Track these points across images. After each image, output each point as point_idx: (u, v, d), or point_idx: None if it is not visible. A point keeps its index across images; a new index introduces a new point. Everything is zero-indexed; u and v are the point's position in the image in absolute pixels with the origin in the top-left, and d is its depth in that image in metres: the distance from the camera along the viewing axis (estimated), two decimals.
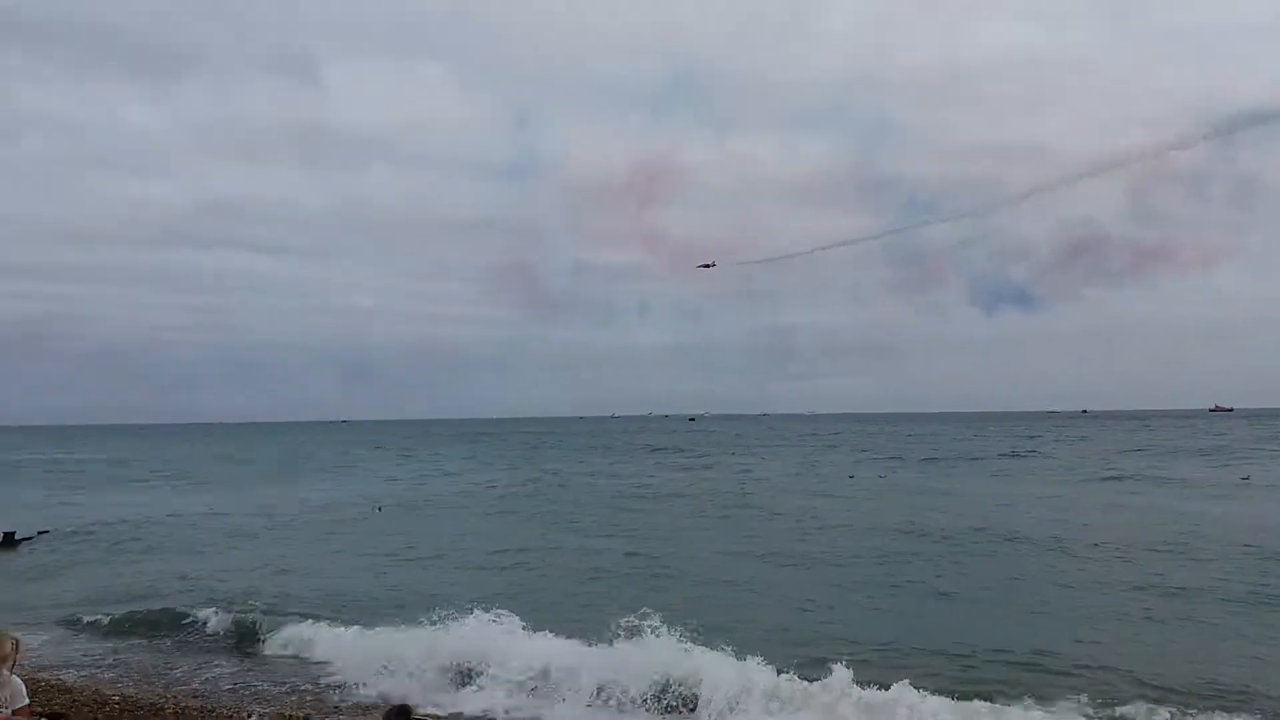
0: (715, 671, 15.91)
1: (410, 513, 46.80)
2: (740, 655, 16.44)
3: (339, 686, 17.11)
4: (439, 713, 15.19)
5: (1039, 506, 42.70)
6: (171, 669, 18.77)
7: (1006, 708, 14.47)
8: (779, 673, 16.00)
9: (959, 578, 25.97)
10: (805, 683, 15.63)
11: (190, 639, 20.98)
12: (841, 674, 15.55)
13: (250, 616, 21.70)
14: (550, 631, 18.55)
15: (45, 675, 17.11)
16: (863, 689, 15.27)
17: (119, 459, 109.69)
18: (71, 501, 56.36)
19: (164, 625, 21.93)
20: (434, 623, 19.42)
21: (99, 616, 23.12)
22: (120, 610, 23.46)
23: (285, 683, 17.53)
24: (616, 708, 15.67)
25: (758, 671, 15.92)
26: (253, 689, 17.14)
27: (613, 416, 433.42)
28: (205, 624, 21.58)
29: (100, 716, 14.72)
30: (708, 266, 73.67)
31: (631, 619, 17.53)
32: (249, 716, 14.87)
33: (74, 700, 15.65)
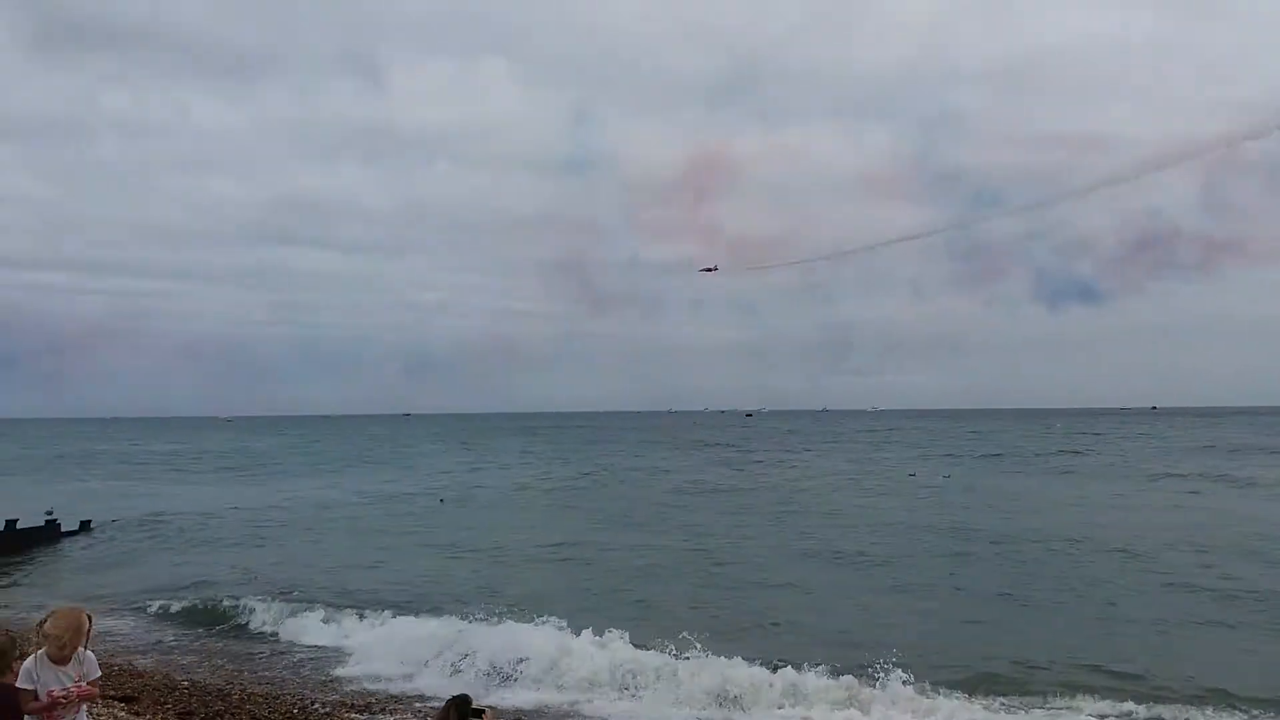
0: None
1: (469, 505, 47.40)
2: (785, 659, 16.57)
3: (394, 678, 17.36)
4: (498, 705, 15.36)
5: (1103, 506, 41.71)
6: (237, 657, 19.25)
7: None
8: (835, 675, 15.91)
9: (1016, 580, 25.41)
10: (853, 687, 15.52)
11: (255, 628, 21.44)
12: (890, 679, 15.40)
13: (313, 608, 22.14)
14: (593, 632, 18.67)
15: (118, 660, 17.65)
16: (923, 696, 15.07)
17: (200, 450, 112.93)
18: (146, 492, 58.12)
19: (230, 614, 22.43)
20: (485, 618, 19.77)
21: (168, 603, 23.81)
22: (186, 599, 24.11)
23: (345, 673, 17.84)
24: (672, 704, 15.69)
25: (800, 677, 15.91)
26: (315, 678, 17.50)
27: (669, 411, 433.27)
28: (269, 614, 22.02)
29: (170, 700, 15.13)
30: (710, 270, 73.22)
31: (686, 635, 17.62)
32: (311, 704, 15.18)
33: (145, 684, 16.14)
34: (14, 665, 7.64)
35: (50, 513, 37.99)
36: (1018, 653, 17.88)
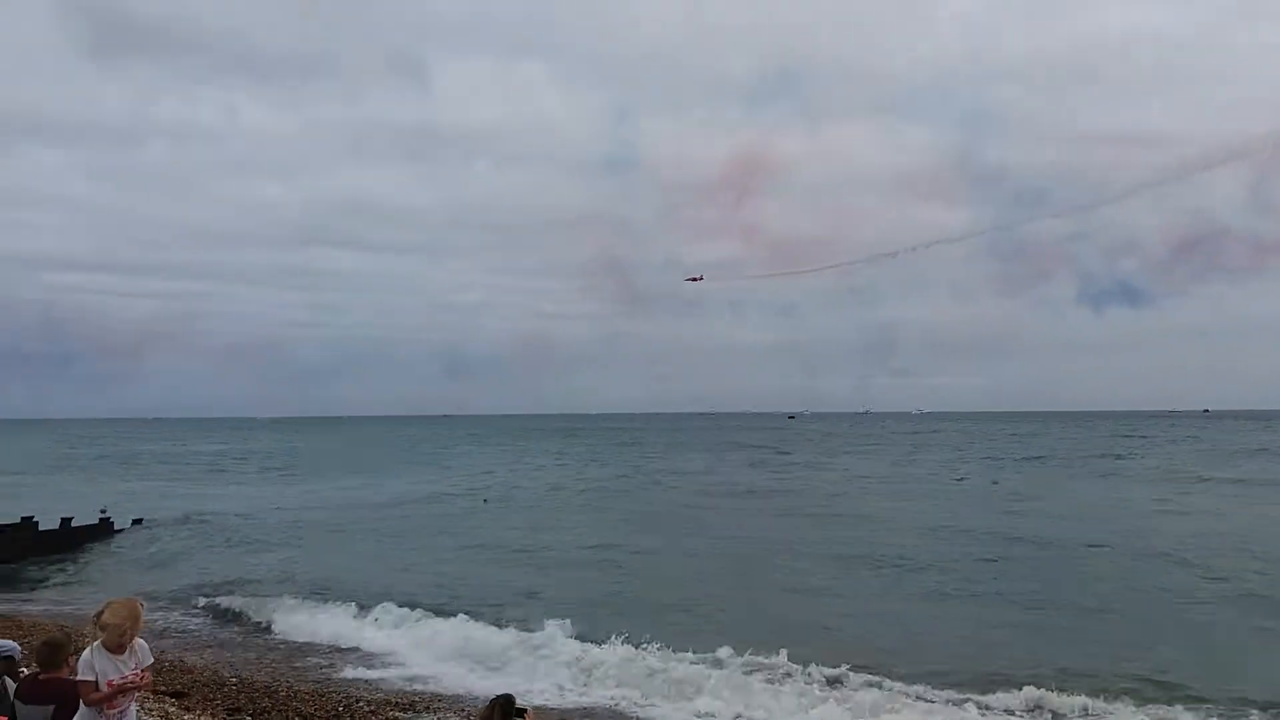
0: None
1: (509, 506, 47.66)
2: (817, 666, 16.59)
3: (436, 678, 17.49)
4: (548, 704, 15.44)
5: (1149, 511, 40.96)
6: (283, 655, 19.53)
7: None
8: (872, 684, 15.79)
9: (1060, 586, 25.00)
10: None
11: (299, 628, 21.62)
12: (930, 687, 15.25)
13: (357, 609, 22.41)
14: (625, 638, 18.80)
15: (169, 656, 17.96)
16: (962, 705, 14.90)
17: (245, 450, 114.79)
18: (192, 491, 59.21)
19: (274, 614, 22.72)
20: (523, 621, 20.34)
21: (216, 600, 24.26)
22: (233, 597, 24.54)
23: (388, 674, 18.01)
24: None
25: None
26: (359, 677, 17.68)
27: (710, 413, 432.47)
28: (313, 615, 22.29)
29: (218, 697, 15.37)
30: (695, 280, 73.57)
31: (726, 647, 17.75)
32: (356, 702, 15.33)
33: (194, 680, 16.41)
34: (69, 660, 7.81)
35: (104, 511, 38.93)
36: (1061, 660, 17.58)
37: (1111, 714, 14.62)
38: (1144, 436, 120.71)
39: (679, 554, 31.41)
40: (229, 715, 14.25)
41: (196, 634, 21.57)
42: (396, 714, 14.80)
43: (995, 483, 57.85)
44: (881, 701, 15.22)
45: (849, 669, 16.55)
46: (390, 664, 18.49)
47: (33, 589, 28.59)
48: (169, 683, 15.29)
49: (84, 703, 7.00)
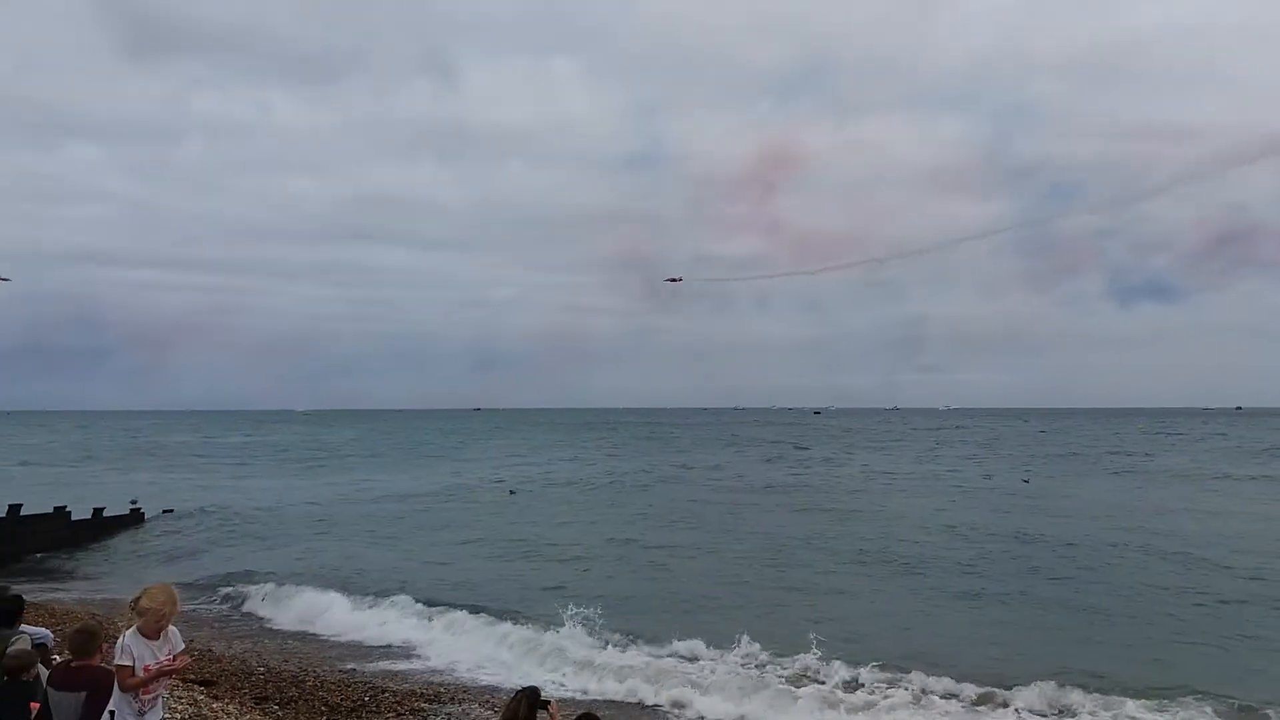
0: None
1: (534, 501, 47.80)
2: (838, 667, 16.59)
3: (461, 671, 17.57)
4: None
5: (1180, 510, 40.30)
6: (309, 646, 19.73)
7: None
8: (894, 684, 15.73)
9: (1088, 587, 24.64)
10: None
11: (325, 620, 21.81)
12: (954, 691, 15.13)
13: (383, 602, 22.60)
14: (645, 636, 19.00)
15: (197, 646, 18.16)
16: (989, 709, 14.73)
17: (277, 443, 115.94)
18: (223, 484, 59.89)
19: (301, 605, 22.93)
20: (545, 616, 20.49)
21: (245, 591, 24.53)
22: (261, 588, 24.77)
23: (414, 666, 18.14)
24: None
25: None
26: (385, 668, 17.82)
27: (736, 408, 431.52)
28: (340, 607, 22.47)
29: (246, 686, 15.54)
30: (674, 281, 74.51)
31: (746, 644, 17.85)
32: (382, 692, 15.45)
33: (223, 670, 16.61)
34: (101, 648, 7.91)
35: (134, 502, 39.56)
36: (1088, 662, 17.38)
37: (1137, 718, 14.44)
38: (1177, 434, 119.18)
39: (698, 550, 31.29)
40: (256, 704, 14.39)
41: (224, 623, 21.83)
42: (421, 704, 14.90)
43: (1026, 480, 57.20)
44: (903, 702, 15.12)
45: (870, 669, 16.46)
46: (415, 656, 18.64)
47: (65, 578, 29.06)
48: (197, 671, 15.45)
49: (120, 687, 7.07)
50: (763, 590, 24.83)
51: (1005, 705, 15.00)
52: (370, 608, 22.27)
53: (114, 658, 7.14)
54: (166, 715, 8.15)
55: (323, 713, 14.34)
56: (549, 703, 7.55)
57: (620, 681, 16.59)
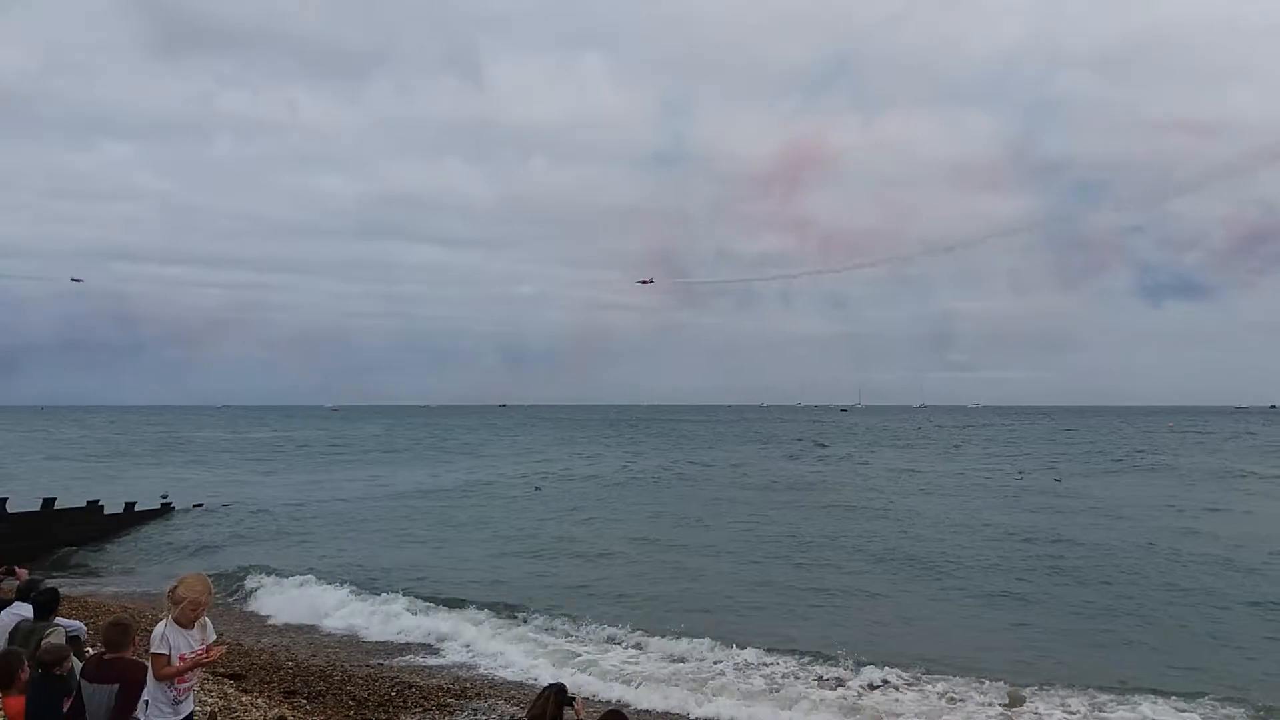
0: None
1: (558, 496, 47.90)
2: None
3: (487, 669, 17.60)
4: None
5: (1211, 511, 39.67)
6: (336, 641, 19.89)
7: None
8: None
9: (1120, 591, 24.21)
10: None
11: (352, 616, 21.87)
12: (983, 698, 14.99)
13: (409, 600, 22.67)
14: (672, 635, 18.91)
15: (227, 640, 18.33)
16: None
17: (307, 439, 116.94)
18: (253, 479, 60.48)
19: (327, 601, 23.06)
20: (569, 614, 20.68)
21: (273, 585, 24.74)
22: (289, 583, 24.97)
23: (441, 662, 18.22)
24: None
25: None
26: (413, 663, 17.91)
27: (762, 406, 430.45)
28: (366, 603, 22.57)
29: (275, 680, 15.67)
30: (646, 283, 76.61)
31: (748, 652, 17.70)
32: (409, 687, 15.53)
33: (252, 663, 16.75)
34: (134, 641, 7.99)
35: (165, 496, 40.11)
36: (1117, 666, 17.23)
37: None
38: (1207, 432, 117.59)
39: (718, 549, 30.97)
40: (285, 698, 14.51)
41: (252, 617, 22.02)
42: (448, 700, 14.95)
43: (1058, 479, 56.58)
44: (933, 706, 15.02)
45: (898, 670, 16.37)
46: (440, 653, 18.70)
47: (97, 571, 29.48)
48: (227, 664, 15.61)
49: (155, 676, 7.13)
50: (786, 590, 24.65)
51: (1034, 710, 14.83)
52: (396, 604, 22.36)
53: (150, 647, 7.21)
54: (197, 708, 8.24)
55: (350, 707, 14.44)
56: (575, 699, 7.56)
57: (645, 683, 16.55)
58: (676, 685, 16.29)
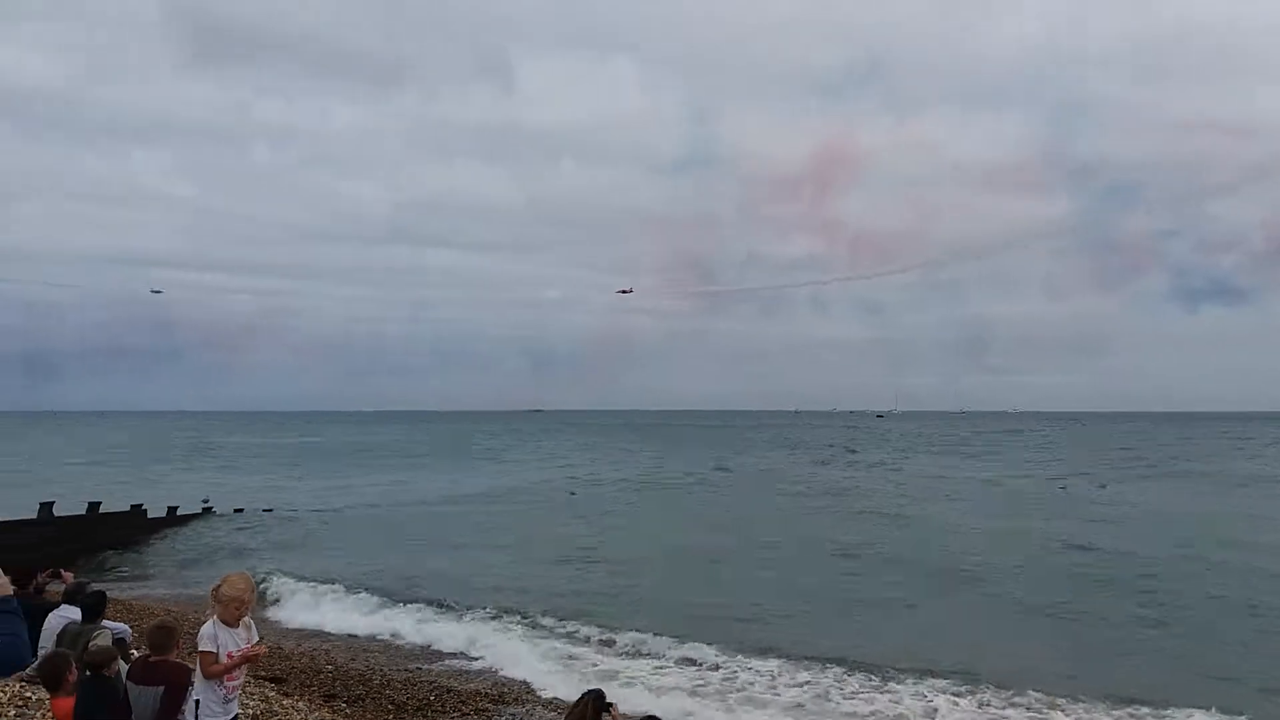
0: None
1: (591, 503, 47.94)
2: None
3: (521, 674, 17.55)
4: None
5: (1252, 519, 38.84)
6: (375, 647, 20.00)
7: None
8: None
9: (1165, 605, 23.61)
10: None
11: (389, 623, 21.96)
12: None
13: (446, 606, 22.80)
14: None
15: (267, 643, 18.50)
16: None
17: (340, 443, 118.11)
18: (286, 484, 61.16)
19: (364, 607, 23.20)
20: (605, 622, 20.69)
21: (311, 589, 24.96)
22: (327, 588, 25.19)
23: (479, 667, 18.25)
24: None
25: None
26: (450, 668, 17.97)
27: (796, 411, 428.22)
28: (402, 610, 22.66)
29: (315, 683, 15.79)
30: (625, 292, 78.82)
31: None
32: (448, 691, 15.59)
33: (292, 667, 16.90)
34: (179, 644, 8.10)
35: (206, 500, 40.76)
36: (1160, 683, 16.80)
37: None
38: (1247, 438, 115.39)
39: (752, 557, 30.73)
40: (325, 701, 14.61)
41: (292, 622, 22.20)
42: (486, 705, 14.99)
43: (1103, 485, 55.71)
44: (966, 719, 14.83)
45: (929, 684, 16.16)
46: (478, 658, 18.66)
47: (141, 574, 29.93)
48: (268, 668, 15.75)
49: (204, 674, 7.21)
50: (817, 599, 24.40)
51: None
52: (430, 609, 22.50)
53: (198, 645, 7.30)
54: (239, 711, 8.32)
55: (390, 711, 14.52)
56: (613, 705, 7.55)
57: (673, 692, 16.39)
58: (705, 696, 16.12)
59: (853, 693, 16.05)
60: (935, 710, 15.15)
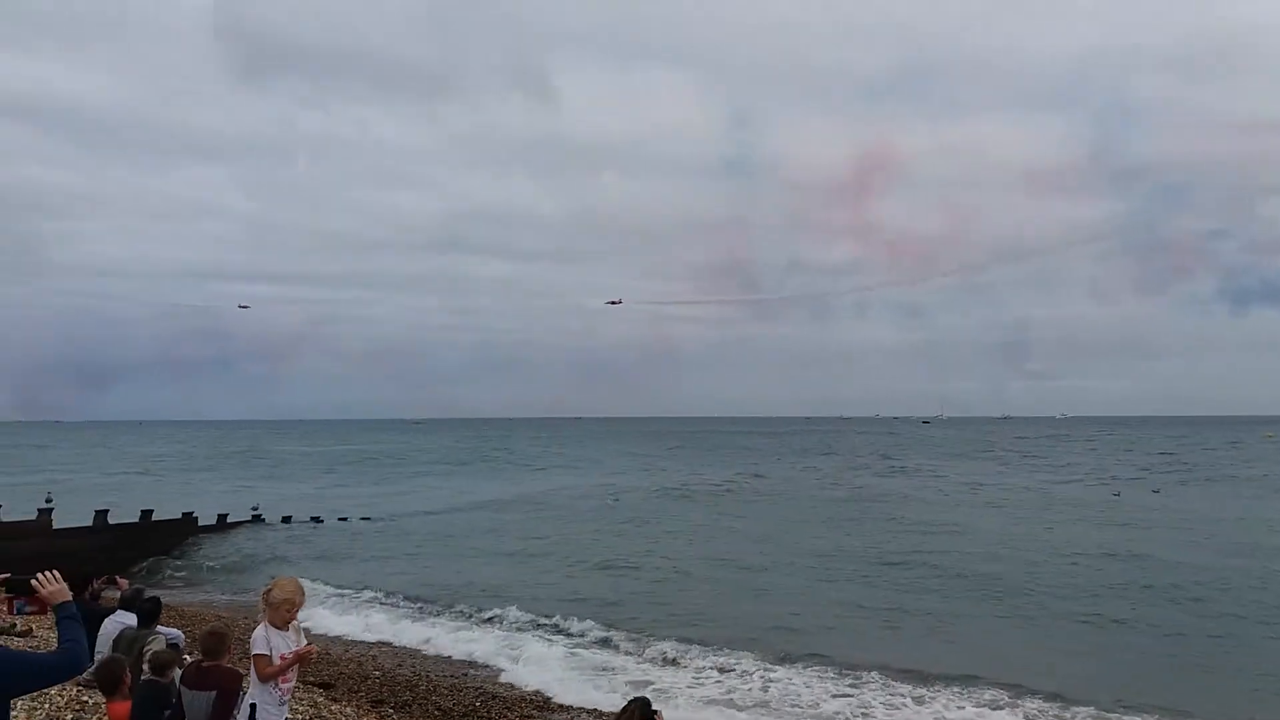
0: None
1: (633, 511, 47.95)
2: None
3: (566, 683, 17.56)
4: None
5: None
6: (422, 654, 20.18)
7: None
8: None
9: (1222, 619, 23.07)
10: None
11: (439, 632, 22.22)
12: None
13: (492, 616, 22.99)
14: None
15: (317, 648, 18.76)
16: None
17: (390, 452, 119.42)
18: (338, 492, 61.94)
19: (416, 616, 23.54)
20: (649, 635, 20.68)
21: (358, 597, 25.33)
22: (375, 596, 25.53)
23: (521, 677, 18.30)
24: None
25: None
26: (496, 676, 18.07)
27: (840, 418, 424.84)
28: (452, 620, 22.97)
29: (363, 689, 16.00)
30: (614, 303, 79.82)
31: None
32: (493, 698, 15.70)
33: (340, 672, 17.14)
34: (230, 649, 8.27)
35: (256, 509, 41.43)
36: (1209, 697, 16.38)
37: None
38: None
39: (787, 566, 30.50)
40: (373, 707, 14.80)
41: (340, 629, 22.48)
42: (531, 711, 15.10)
43: (1156, 491, 54.49)
44: None
45: (971, 695, 15.99)
46: (519, 666, 18.74)
47: (193, 581, 30.52)
48: (317, 674, 15.98)
49: (259, 677, 7.36)
50: (857, 609, 24.14)
51: None
52: (475, 616, 22.77)
53: (251, 649, 7.46)
54: (290, 716, 8.48)
55: (436, 717, 14.67)
56: (658, 713, 7.57)
57: (713, 704, 16.36)
58: (745, 707, 16.05)
59: (895, 706, 15.85)
60: None
